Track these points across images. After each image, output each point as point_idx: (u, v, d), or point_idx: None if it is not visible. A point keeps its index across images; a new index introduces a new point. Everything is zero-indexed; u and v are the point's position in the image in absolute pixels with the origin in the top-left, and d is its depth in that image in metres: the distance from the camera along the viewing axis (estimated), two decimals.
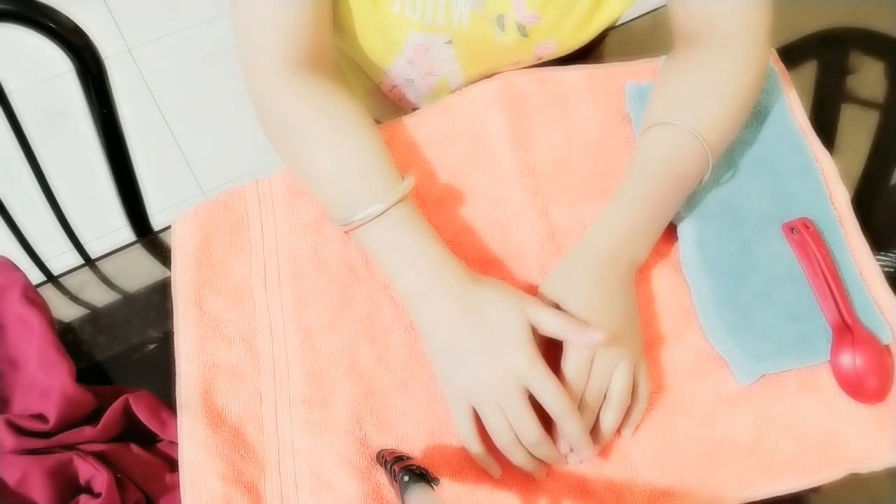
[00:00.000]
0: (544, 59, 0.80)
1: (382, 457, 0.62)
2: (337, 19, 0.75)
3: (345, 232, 0.68)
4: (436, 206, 0.74)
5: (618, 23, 0.89)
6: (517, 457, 0.62)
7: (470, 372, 0.61)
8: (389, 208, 0.65)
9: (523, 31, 0.75)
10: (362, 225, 0.66)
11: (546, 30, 0.75)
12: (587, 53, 0.86)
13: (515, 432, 0.61)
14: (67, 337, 0.71)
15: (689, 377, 0.67)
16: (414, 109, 0.91)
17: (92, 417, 0.65)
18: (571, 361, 0.62)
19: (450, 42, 0.77)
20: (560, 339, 0.62)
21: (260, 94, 0.71)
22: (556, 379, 0.60)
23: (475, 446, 0.62)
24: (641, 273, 0.71)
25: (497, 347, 0.61)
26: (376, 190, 0.66)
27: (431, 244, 0.65)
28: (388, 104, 0.92)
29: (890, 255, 0.74)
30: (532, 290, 0.70)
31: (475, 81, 0.81)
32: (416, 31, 0.75)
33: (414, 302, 0.65)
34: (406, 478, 0.57)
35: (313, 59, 0.71)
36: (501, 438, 0.61)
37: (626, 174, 0.69)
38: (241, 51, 0.71)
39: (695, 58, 0.73)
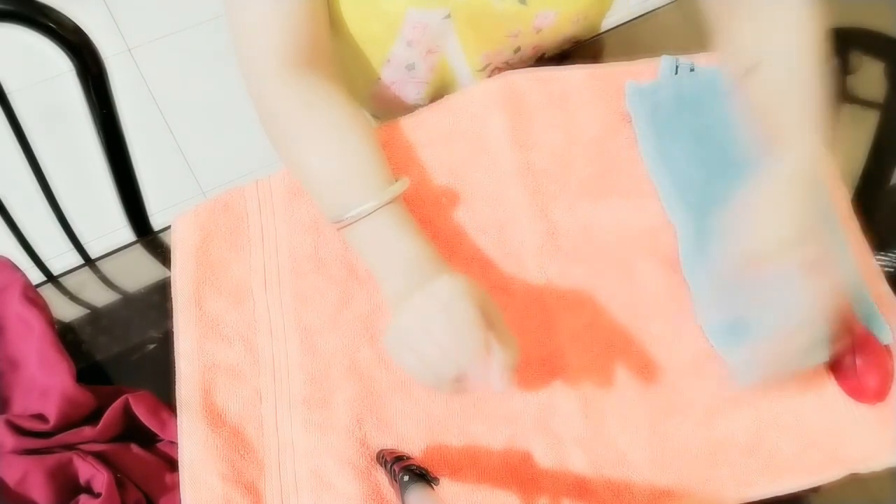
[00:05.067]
0: (544, 31, 0.80)
1: (382, 457, 0.62)
2: (333, 15, 0.75)
3: (337, 230, 0.68)
4: (436, 206, 0.74)
5: (618, 23, 0.89)
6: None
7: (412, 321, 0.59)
8: (381, 207, 0.65)
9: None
10: (354, 223, 0.66)
11: None
12: (582, 54, 0.86)
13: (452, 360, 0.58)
14: (67, 337, 0.71)
15: (689, 377, 0.67)
16: (414, 107, 0.92)
17: (92, 417, 0.65)
18: None
19: (448, 16, 0.77)
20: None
21: (257, 94, 0.71)
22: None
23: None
24: (642, 273, 0.71)
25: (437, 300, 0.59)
26: (369, 189, 0.66)
27: (420, 248, 0.65)
28: (388, 105, 0.92)
29: (890, 255, 0.74)
30: (532, 290, 0.70)
31: (476, 59, 0.81)
32: (414, 7, 0.75)
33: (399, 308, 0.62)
34: (406, 478, 0.57)
35: (309, 58, 0.71)
36: (437, 368, 0.58)
37: (779, 113, 0.67)
38: (238, 51, 0.71)
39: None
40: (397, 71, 0.84)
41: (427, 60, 0.82)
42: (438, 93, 0.88)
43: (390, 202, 0.66)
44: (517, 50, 0.83)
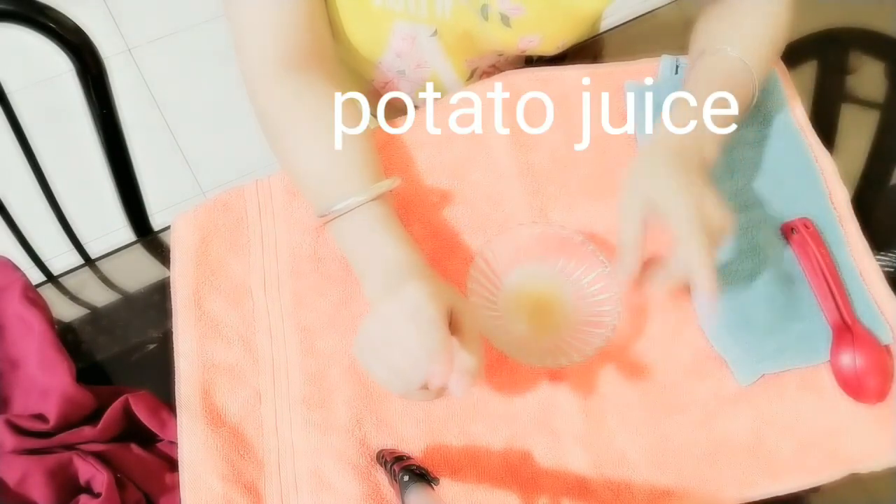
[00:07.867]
0: (528, 53, 0.80)
1: (382, 457, 0.62)
2: (329, 15, 0.75)
3: (322, 224, 0.67)
4: (436, 206, 0.74)
5: (618, 23, 0.89)
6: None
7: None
8: (365, 203, 0.65)
9: (507, 22, 0.75)
10: (337, 217, 0.65)
11: (531, 23, 0.75)
12: (583, 54, 0.86)
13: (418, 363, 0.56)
14: (67, 337, 0.71)
15: (689, 377, 0.67)
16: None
17: (92, 417, 0.65)
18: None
19: (435, 34, 0.77)
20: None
21: (253, 94, 0.71)
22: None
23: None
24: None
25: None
26: (355, 185, 0.66)
27: (400, 248, 0.64)
28: (386, 105, 0.92)
29: (890, 255, 0.74)
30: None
31: (465, 76, 0.81)
32: (401, 20, 0.75)
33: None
34: (406, 478, 0.57)
35: (306, 58, 0.71)
36: (405, 376, 0.57)
37: (681, 91, 0.71)
38: (236, 52, 0.71)
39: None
40: (389, 74, 0.84)
41: (417, 73, 0.83)
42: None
43: (375, 199, 0.65)
44: (501, 54, 0.83)
